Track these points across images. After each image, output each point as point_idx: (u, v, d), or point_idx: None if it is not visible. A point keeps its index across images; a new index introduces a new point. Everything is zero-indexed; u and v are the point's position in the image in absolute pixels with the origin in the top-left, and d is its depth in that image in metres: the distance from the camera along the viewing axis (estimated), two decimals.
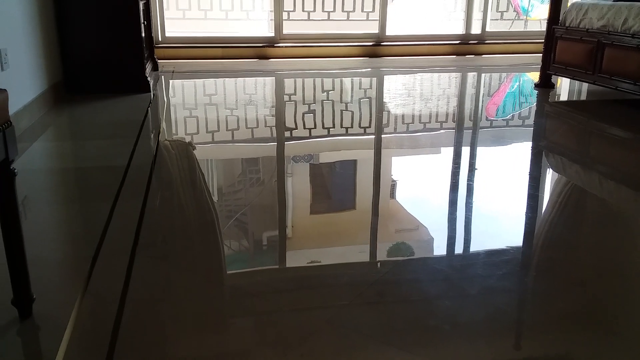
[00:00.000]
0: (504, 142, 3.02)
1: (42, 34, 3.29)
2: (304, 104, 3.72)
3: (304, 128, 3.16)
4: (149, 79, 3.85)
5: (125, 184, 2.16)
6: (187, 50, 5.15)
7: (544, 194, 2.26)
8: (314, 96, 3.98)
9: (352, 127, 3.20)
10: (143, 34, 3.81)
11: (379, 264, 1.71)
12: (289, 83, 4.50)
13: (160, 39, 5.17)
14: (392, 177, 2.54)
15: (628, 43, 3.23)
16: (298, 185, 2.40)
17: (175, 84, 4.30)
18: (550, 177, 2.48)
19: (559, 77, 4.22)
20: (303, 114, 3.45)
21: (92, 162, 2.44)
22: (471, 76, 4.86)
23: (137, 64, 3.74)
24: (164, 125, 3.15)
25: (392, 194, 2.34)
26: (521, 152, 2.85)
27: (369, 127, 3.23)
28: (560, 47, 3.77)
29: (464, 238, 1.88)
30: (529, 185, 2.29)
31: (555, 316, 1.40)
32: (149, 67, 4.12)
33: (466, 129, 3.28)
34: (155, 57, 4.59)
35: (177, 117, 3.36)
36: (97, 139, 2.78)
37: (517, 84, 4.61)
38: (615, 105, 3.60)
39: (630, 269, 1.69)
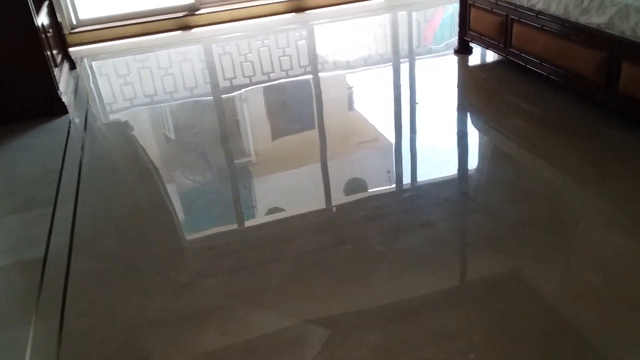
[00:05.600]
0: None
1: None
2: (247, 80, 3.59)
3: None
4: (62, 97, 3.34)
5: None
6: (103, 32, 4.87)
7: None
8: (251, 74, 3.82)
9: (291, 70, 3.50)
10: (47, 52, 3.33)
11: (334, 209, 2.11)
12: (217, 50, 4.31)
13: (75, 23, 4.87)
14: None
15: (533, 22, 2.94)
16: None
17: (101, 83, 3.98)
18: None
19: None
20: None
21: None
22: (402, 15, 4.81)
23: (46, 83, 3.23)
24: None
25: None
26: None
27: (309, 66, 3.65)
28: (474, 14, 3.48)
29: (411, 173, 2.36)
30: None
31: (506, 229, 1.77)
32: (64, 72, 3.73)
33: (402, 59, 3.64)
34: (70, 54, 4.22)
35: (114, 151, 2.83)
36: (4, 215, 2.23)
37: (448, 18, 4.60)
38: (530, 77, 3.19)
39: (562, 188, 2.16)
